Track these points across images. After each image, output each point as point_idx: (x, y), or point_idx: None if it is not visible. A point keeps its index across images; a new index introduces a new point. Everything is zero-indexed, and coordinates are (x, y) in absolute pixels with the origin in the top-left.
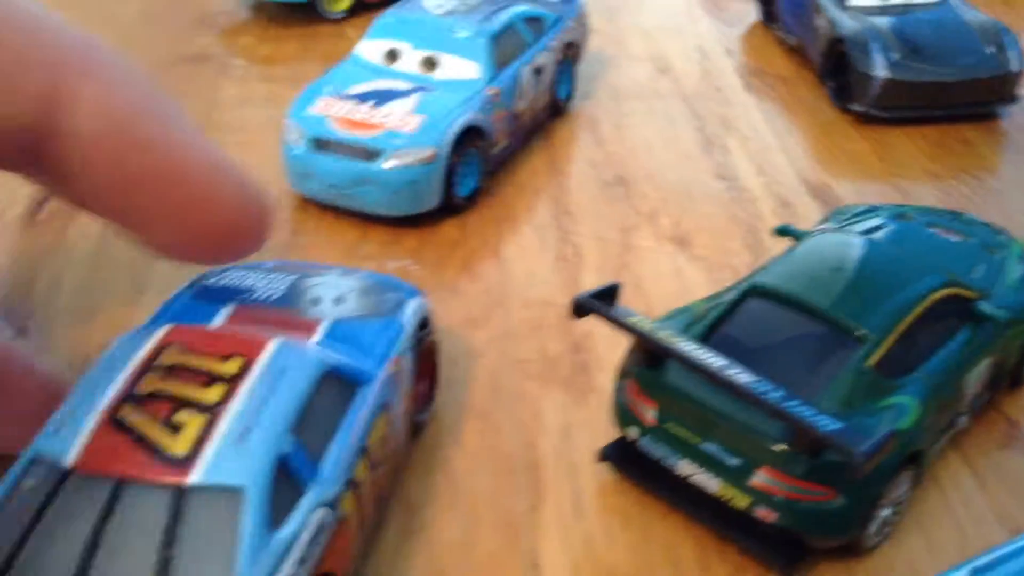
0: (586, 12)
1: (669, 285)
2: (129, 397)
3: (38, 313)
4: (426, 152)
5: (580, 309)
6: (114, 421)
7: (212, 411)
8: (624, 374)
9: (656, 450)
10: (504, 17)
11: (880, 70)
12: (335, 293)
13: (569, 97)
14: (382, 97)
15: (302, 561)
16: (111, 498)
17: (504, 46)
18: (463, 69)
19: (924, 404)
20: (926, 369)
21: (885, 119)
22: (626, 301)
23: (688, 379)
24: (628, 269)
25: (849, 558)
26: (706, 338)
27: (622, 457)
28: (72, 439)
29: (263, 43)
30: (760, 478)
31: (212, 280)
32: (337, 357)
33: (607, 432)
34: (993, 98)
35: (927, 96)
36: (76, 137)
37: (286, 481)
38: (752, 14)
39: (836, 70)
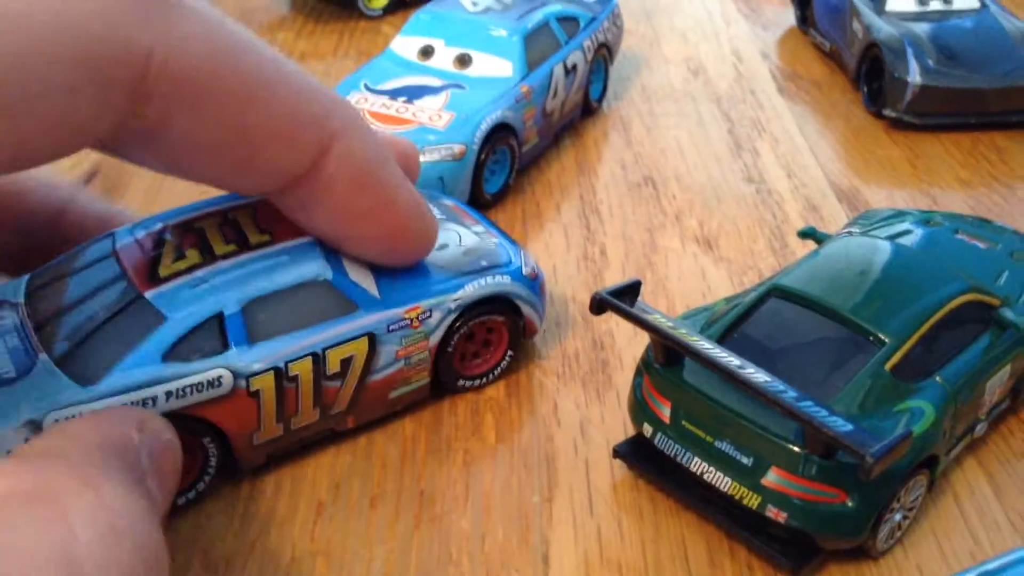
0: (620, 13)
1: (693, 286)
2: (183, 224)
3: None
4: (456, 148)
5: (599, 305)
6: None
7: (207, 259)
8: (641, 371)
9: (670, 447)
10: (538, 16)
11: (915, 76)
12: (447, 240)
13: (602, 97)
14: (415, 93)
15: (172, 393)
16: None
17: (537, 45)
18: (496, 67)
19: (940, 409)
20: (944, 374)
21: (918, 125)
22: (650, 301)
23: (704, 378)
24: (652, 269)
25: (860, 561)
26: (725, 337)
27: (636, 454)
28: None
29: (300, 38)
30: (772, 478)
31: None
32: (343, 279)
33: (624, 429)
34: None
35: (962, 103)
36: (322, 179)
37: (212, 335)
38: (788, 18)
39: (870, 75)
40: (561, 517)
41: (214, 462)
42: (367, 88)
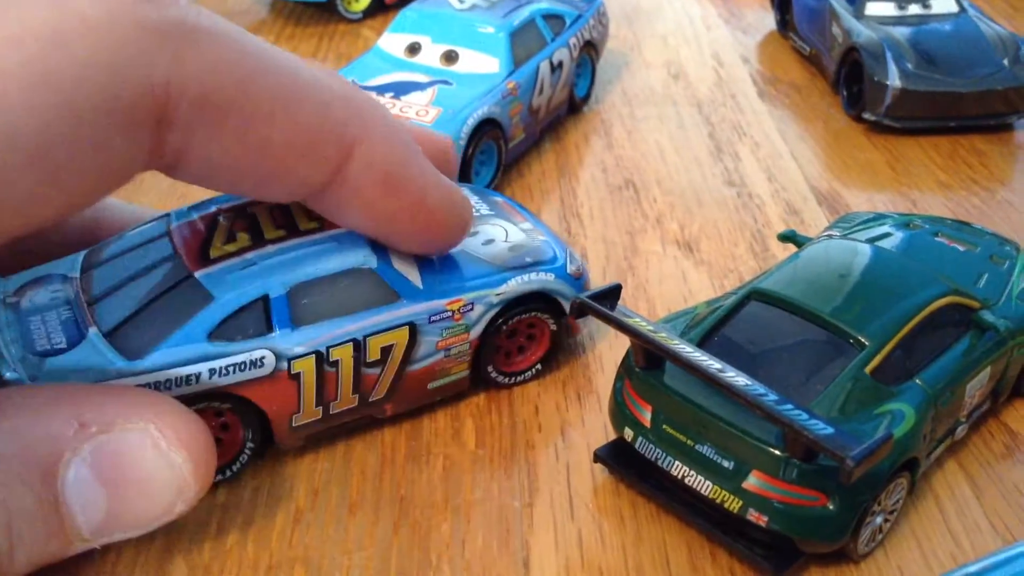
0: (606, 11)
1: (674, 289)
2: (237, 209)
3: None
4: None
5: (579, 309)
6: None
7: (257, 242)
8: (622, 375)
9: (651, 451)
10: (524, 13)
11: (894, 79)
12: (494, 235)
13: (588, 95)
14: (402, 89)
15: (216, 371)
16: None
17: (523, 42)
18: (482, 63)
19: (920, 412)
20: (924, 377)
21: (897, 129)
22: (630, 304)
23: (684, 381)
24: (633, 272)
25: (841, 564)
26: (705, 341)
27: (616, 458)
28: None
29: (280, 41)
30: (753, 481)
31: None
32: (388, 268)
33: (605, 433)
34: (1008, 110)
35: (941, 106)
36: (348, 184)
37: (257, 317)
38: (768, 23)
39: (850, 79)
40: (542, 522)
41: (251, 443)
42: (354, 84)
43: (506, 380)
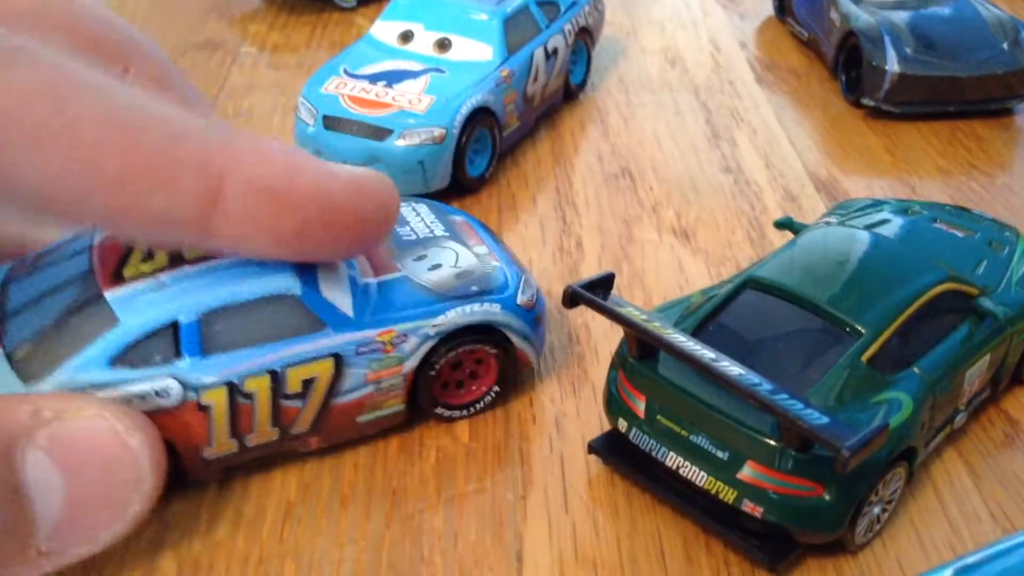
0: None
1: (670, 278)
2: None
3: None
4: (436, 131)
5: (572, 298)
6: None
7: (175, 262)
8: (615, 365)
9: (645, 442)
10: (518, 1)
11: (893, 64)
12: (442, 260)
13: (584, 82)
14: (394, 77)
15: (117, 400)
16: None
17: (517, 29)
18: (476, 51)
19: (918, 400)
20: (922, 365)
21: (896, 114)
22: (626, 293)
23: (679, 371)
24: (629, 261)
25: (838, 555)
26: (700, 330)
27: (610, 449)
28: None
29: (274, 31)
30: (748, 472)
31: None
32: (313, 295)
33: (599, 424)
34: (1007, 94)
35: (940, 91)
36: (232, 214)
37: (165, 343)
38: (766, 8)
39: (848, 64)
40: (535, 514)
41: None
42: (347, 73)
43: (454, 413)
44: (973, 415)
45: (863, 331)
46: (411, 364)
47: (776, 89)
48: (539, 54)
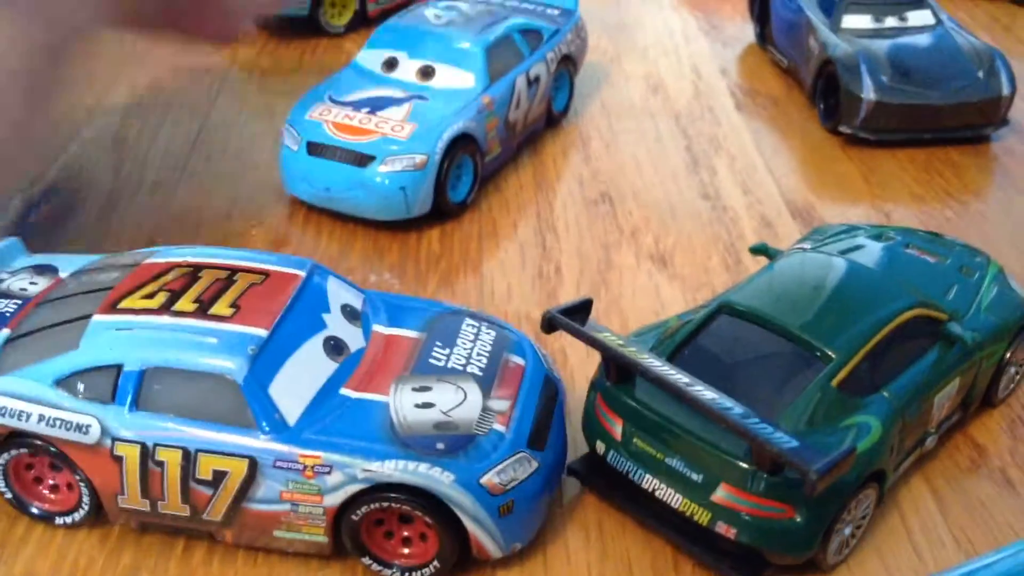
0: (584, 25)
1: (646, 304)
2: (195, 266)
3: None
4: (418, 158)
5: (549, 323)
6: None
7: (163, 308)
8: (594, 388)
9: (622, 464)
10: (500, 29)
11: (869, 92)
12: (439, 400)
13: (566, 108)
14: (378, 104)
15: (44, 419)
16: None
17: (499, 57)
18: (458, 78)
19: (887, 424)
20: (891, 389)
21: (873, 142)
22: (603, 319)
23: (654, 395)
24: (607, 287)
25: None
26: (676, 354)
27: (589, 472)
28: None
29: (263, 55)
30: (722, 494)
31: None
32: (257, 389)
33: (578, 447)
34: (983, 122)
35: (916, 119)
36: None
37: (106, 383)
38: (749, 35)
39: (826, 92)
40: None
41: (87, 501)
42: (331, 100)
43: (384, 571)
44: (941, 440)
45: (833, 356)
46: (333, 500)
47: (755, 116)
48: (521, 81)
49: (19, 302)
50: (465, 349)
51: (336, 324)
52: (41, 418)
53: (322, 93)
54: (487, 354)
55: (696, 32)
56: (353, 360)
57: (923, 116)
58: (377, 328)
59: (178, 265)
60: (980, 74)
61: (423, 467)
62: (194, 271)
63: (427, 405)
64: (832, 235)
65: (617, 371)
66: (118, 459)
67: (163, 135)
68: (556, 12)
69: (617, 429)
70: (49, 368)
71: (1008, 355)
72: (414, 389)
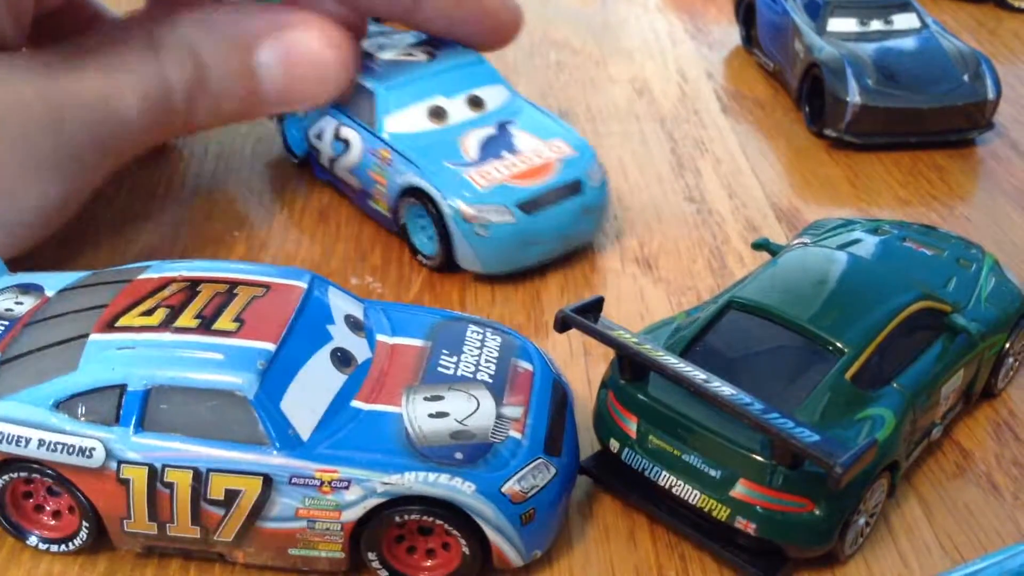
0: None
1: (631, 307)
2: (193, 280)
3: None
4: (598, 162)
5: (563, 322)
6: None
7: (164, 325)
8: (605, 386)
9: (637, 462)
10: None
11: (854, 96)
12: (453, 409)
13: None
14: (501, 144)
15: (45, 443)
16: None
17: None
18: (499, 94)
19: (900, 415)
20: (902, 381)
21: (858, 145)
22: None
23: (669, 392)
24: (591, 290)
25: (820, 570)
26: (687, 351)
27: (602, 470)
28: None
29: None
30: (740, 489)
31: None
32: (268, 404)
33: (590, 445)
34: (968, 125)
35: (901, 123)
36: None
37: (109, 404)
38: (735, 38)
39: (812, 95)
40: None
41: (87, 527)
42: (463, 164)
43: None
44: (925, 447)
45: (845, 349)
46: (351, 514)
47: (741, 119)
48: None
49: (5, 323)
50: (472, 356)
51: (341, 335)
52: (41, 443)
53: (439, 164)
54: (495, 360)
55: (682, 35)
56: (361, 371)
57: (908, 119)
58: (381, 338)
59: (174, 280)
60: (965, 78)
61: (443, 478)
62: (192, 286)
63: (441, 414)
64: (830, 229)
65: (631, 368)
66: (124, 482)
67: None
68: None
69: (632, 427)
70: (46, 391)
71: (1008, 345)
72: (426, 399)
